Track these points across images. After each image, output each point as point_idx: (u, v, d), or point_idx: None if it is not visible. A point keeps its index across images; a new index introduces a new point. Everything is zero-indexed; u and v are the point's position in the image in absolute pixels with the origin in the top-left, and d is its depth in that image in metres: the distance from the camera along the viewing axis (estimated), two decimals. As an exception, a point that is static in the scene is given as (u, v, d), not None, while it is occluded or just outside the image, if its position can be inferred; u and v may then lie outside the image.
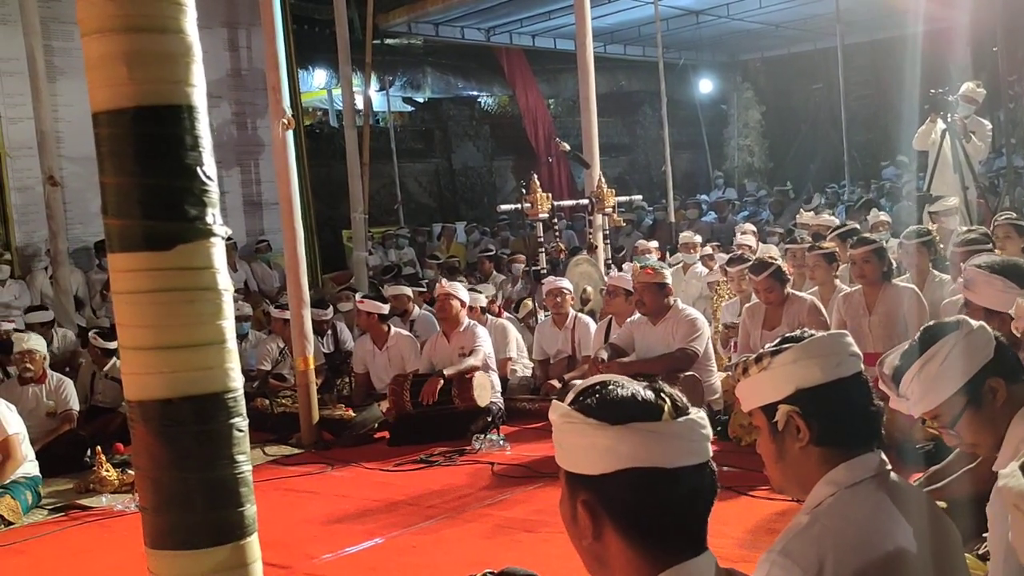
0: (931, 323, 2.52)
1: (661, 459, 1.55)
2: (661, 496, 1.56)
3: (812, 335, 2.09)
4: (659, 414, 1.56)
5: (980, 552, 2.88)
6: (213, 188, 2.13)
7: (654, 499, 1.56)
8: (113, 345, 8.19)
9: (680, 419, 1.58)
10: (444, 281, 8.38)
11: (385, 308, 8.53)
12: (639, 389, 1.61)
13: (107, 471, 6.64)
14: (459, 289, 8.08)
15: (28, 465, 6.39)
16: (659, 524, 1.57)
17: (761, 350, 2.12)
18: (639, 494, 1.56)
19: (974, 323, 2.43)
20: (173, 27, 2.07)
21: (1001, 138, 14.54)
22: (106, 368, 8.38)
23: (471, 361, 7.60)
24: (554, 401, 1.66)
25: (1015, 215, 7.45)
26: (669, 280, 7.02)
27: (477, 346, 7.72)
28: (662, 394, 1.60)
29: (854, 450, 2.03)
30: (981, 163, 11.16)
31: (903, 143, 12.83)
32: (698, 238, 10.80)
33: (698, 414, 1.61)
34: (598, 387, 1.63)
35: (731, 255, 8.39)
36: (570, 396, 1.65)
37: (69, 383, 7.81)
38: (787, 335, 2.13)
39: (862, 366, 2.10)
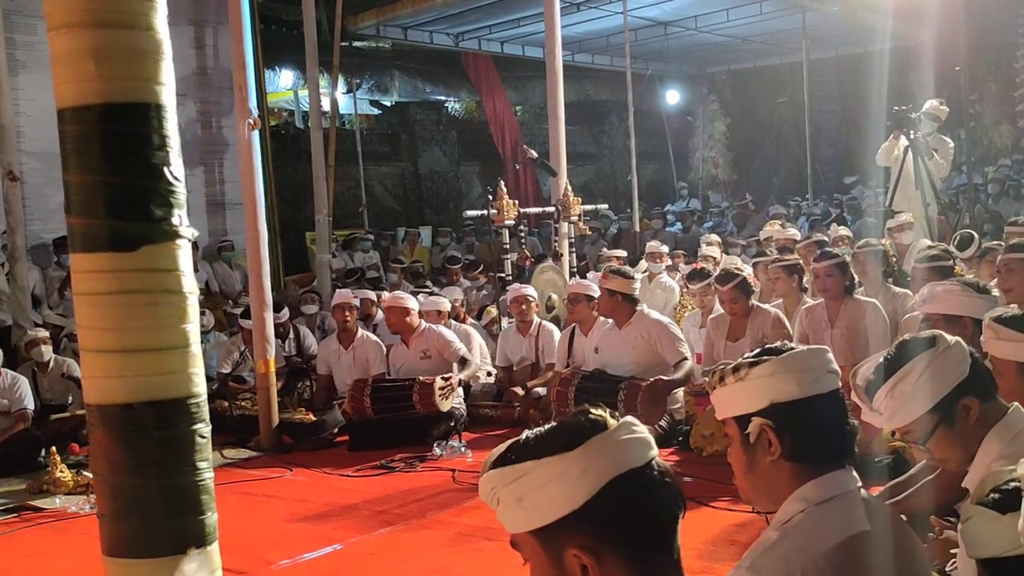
0: (907, 337, 2.51)
1: (631, 460, 1.51)
2: (647, 496, 1.51)
3: (792, 348, 2.07)
4: (604, 425, 1.53)
5: (949, 571, 2.89)
6: (180, 189, 2.09)
7: (644, 501, 1.51)
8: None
9: (621, 420, 1.55)
10: (385, 294, 8.42)
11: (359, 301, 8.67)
12: (560, 421, 1.58)
13: (61, 472, 6.53)
14: (404, 298, 8.12)
15: (-20, 465, 6.29)
16: (654, 531, 1.52)
17: (740, 359, 2.10)
18: (631, 501, 1.49)
19: (950, 339, 2.42)
20: (142, 24, 2.02)
21: (961, 156, 14.74)
22: (51, 367, 8.31)
23: (467, 372, 7.88)
24: (482, 480, 1.56)
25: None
26: (628, 290, 6.98)
27: (456, 350, 7.85)
28: (589, 414, 1.55)
29: (826, 467, 2.02)
30: (942, 180, 11.29)
31: (866, 158, 12.97)
32: (665, 248, 10.83)
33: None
34: (519, 440, 1.56)
35: (690, 270, 8.43)
36: (491, 464, 1.56)
37: (24, 381, 7.69)
38: (767, 346, 2.11)
39: (839, 383, 2.09)
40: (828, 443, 2.04)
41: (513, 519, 1.53)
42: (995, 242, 7.04)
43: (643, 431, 1.56)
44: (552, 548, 1.50)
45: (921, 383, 2.36)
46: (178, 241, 2.08)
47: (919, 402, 2.37)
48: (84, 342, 2.10)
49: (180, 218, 2.07)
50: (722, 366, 2.12)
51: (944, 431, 2.40)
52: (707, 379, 2.29)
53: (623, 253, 11.30)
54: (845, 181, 19.32)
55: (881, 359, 2.47)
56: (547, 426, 1.57)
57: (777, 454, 2.02)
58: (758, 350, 2.10)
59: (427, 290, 10.83)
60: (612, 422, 1.53)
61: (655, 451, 1.56)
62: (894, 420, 2.41)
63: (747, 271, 7.09)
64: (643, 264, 10.37)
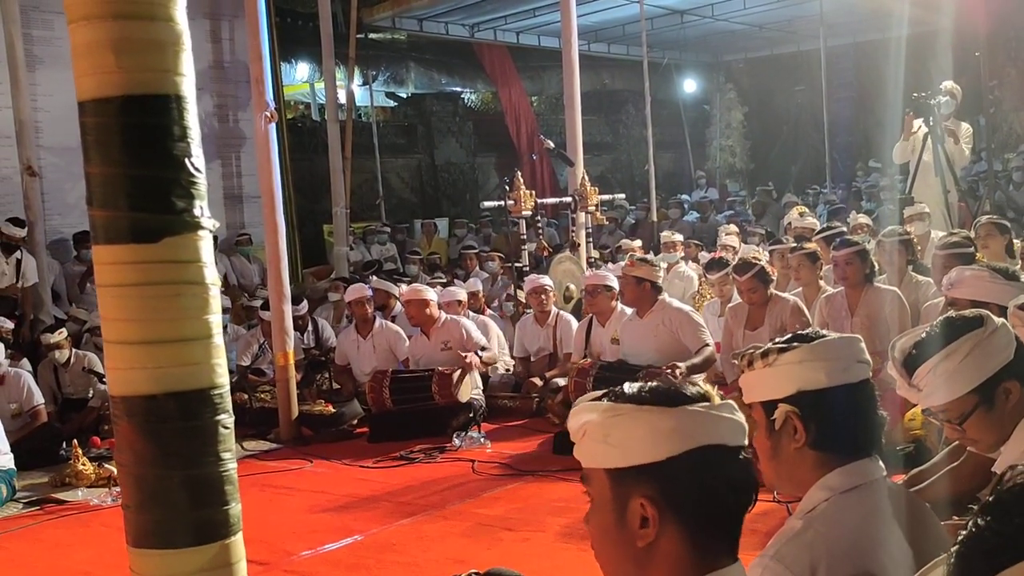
0: (953, 314, 2.47)
1: (723, 436, 1.55)
2: (726, 476, 1.55)
3: (823, 336, 2.04)
4: (710, 398, 1.58)
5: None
6: (201, 180, 2.09)
7: (721, 480, 1.55)
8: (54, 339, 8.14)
9: (726, 400, 1.59)
10: (404, 287, 8.45)
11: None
12: (673, 382, 1.64)
13: (83, 465, 6.57)
14: (423, 290, 8.14)
15: (2, 458, 6.30)
16: (719, 513, 1.56)
17: (770, 344, 2.08)
18: (708, 474, 1.54)
19: (997, 321, 2.39)
20: (162, 15, 2.02)
21: (981, 143, 14.62)
22: (71, 363, 8.28)
23: (488, 354, 7.89)
24: (582, 403, 1.62)
25: (996, 216, 7.51)
26: (654, 277, 7.00)
27: (476, 341, 7.84)
28: (698, 386, 1.62)
29: (851, 456, 1.99)
30: (962, 169, 11.19)
31: (884, 146, 12.87)
32: (679, 237, 10.80)
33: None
34: (630, 383, 1.62)
35: (709, 259, 8.40)
36: (593, 395, 1.62)
37: (27, 376, 7.59)
38: (799, 332, 2.08)
39: (870, 373, 2.06)
40: (854, 433, 2.01)
41: (594, 453, 1.59)
42: (987, 216, 7.11)
43: (742, 417, 1.60)
44: (621, 492, 1.56)
45: (967, 363, 2.32)
46: (200, 232, 2.08)
47: (962, 382, 2.34)
48: (107, 334, 2.10)
49: (201, 209, 2.07)
50: (751, 350, 2.10)
51: (982, 413, 2.37)
52: (735, 363, 2.29)
53: (639, 243, 11.28)
54: (870, 165, 19.11)
55: (923, 334, 2.43)
56: (659, 382, 1.62)
57: (802, 442, 2.00)
58: (788, 335, 2.07)
59: (442, 280, 10.86)
60: (717, 398, 1.59)
61: (747, 442, 1.60)
62: (932, 398, 2.38)
63: (765, 260, 7.07)
64: (661, 254, 10.35)
